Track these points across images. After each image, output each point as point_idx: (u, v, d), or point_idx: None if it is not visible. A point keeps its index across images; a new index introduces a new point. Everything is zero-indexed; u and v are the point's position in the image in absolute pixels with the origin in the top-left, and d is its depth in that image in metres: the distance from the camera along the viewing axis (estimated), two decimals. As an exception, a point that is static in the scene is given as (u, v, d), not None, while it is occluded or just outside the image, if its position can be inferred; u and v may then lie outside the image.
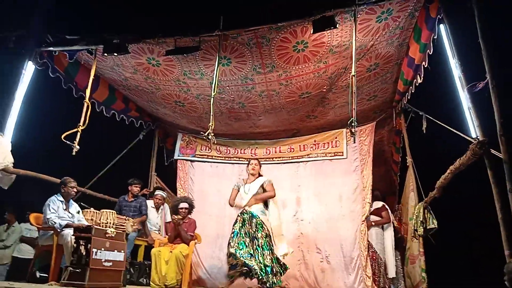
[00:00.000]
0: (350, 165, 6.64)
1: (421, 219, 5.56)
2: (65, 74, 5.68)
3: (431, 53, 4.57)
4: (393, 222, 6.31)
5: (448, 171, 4.38)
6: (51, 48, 5.26)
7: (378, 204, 6.32)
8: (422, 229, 5.52)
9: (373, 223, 6.15)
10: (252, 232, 5.06)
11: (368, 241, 6.11)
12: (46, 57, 5.36)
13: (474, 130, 3.72)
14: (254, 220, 5.15)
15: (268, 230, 5.14)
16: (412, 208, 5.90)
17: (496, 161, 3.50)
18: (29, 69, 5.23)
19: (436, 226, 5.43)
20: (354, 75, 4.33)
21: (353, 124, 4.19)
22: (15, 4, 5.46)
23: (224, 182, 6.80)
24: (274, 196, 5.41)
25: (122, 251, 4.88)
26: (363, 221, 6.18)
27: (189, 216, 5.85)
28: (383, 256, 6.05)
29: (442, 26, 4.18)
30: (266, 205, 5.39)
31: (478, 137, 3.60)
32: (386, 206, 6.33)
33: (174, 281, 5.25)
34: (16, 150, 5.07)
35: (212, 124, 4.70)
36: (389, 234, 6.16)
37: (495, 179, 3.45)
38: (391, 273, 5.94)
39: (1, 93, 5.13)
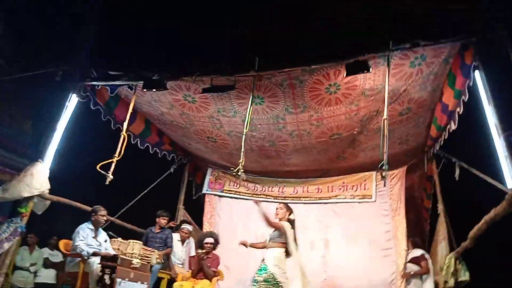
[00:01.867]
0: (380, 209, 6.54)
1: (452, 270, 5.34)
2: (106, 107, 5.94)
3: (466, 100, 4.53)
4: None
5: (483, 221, 4.24)
6: (95, 83, 5.55)
7: (417, 252, 5.91)
8: (453, 281, 5.29)
9: (412, 273, 5.77)
10: None
11: None
12: (89, 90, 5.65)
13: (510, 179, 3.62)
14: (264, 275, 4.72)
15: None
16: (443, 258, 5.67)
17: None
18: (72, 101, 5.51)
19: (468, 278, 5.20)
20: (386, 119, 4.34)
21: (383, 167, 4.15)
22: (62, 40, 5.83)
23: (251, 218, 6.78)
24: (280, 227, 4.94)
25: (146, 283, 4.88)
26: (402, 271, 5.90)
27: (214, 252, 5.83)
28: None
29: (477, 72, 4.17)
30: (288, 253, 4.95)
31: (515, 188, 3.50)
32: (426, 256, 5.93)
33: (196, 318, 5.17)
34: (53, 177, 5.27)
35: (242, 161, 4.76)
36: (429, 285, 5.81)
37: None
38: None
39: (45, 122, 5.41)
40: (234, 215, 7.31)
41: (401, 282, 5.87)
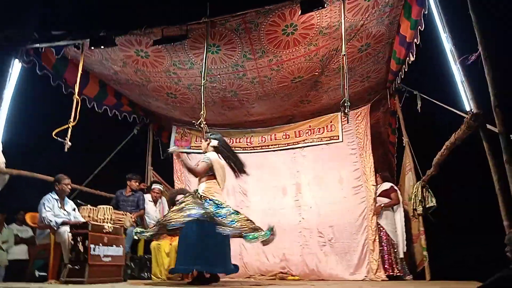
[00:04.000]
0: (348, 148, 6.61)
1: (419, 198, 5.55)
2: (54, 71, 5.60)
3: (422, 29, 4.51)
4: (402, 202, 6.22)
5: (444, 147, 4.35)
6: (37, 45, 5.18)
7: (387, 185, 6.24)
8: (421, 208, 5.52)
9: (382, 205, 6.06)
10: None
11: (377, 223, 6.07)
12: (33, 54, 5.29)
13: (468, 103, 3.67)
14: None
15: None
16: (411, 188, 5.89)
17: (491, 134, 3.47)
18: (16, 68, 5.15)
19: (435, 204, 5.43)
20: (344, 54, 4.28)
21: (345, 104, 4.12)
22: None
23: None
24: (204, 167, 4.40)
25: (121, 246, 4.84)
26: (372, 205, 6.13)
27: None
28: (394, 237, 5.99)
29: (431, 0, 4.11)
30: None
31: (472, 110, 3.55)
32: (395, 187, 6.23)
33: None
34: (7, 150, 5.01)
35: (203, 113, 4.64)
36: (399, 214, 6.10)
37: (491, 151, 3.41)
38: (401, 253, 5.90)
39: (-10, 93, 5.05)
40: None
41: (372, 216, 6.08)
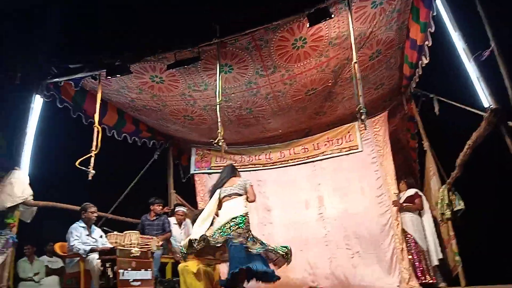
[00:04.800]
0: (368, 158, 6.55)
1: (446, 202, 5.42)
2: (73, 103, 5.78)
3: (432, 31, 4.50)
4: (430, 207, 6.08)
5: (466, 146, 4.28)
6: (56, 79, 5.37)
7: (411, 191, 6.14)
8: (450, 212, 5.38)
9: (403, 204, 6.01)
10: None
11: (403, 230, 5.96)
12: (52, 88, 5.47)
13: (486, 99, 3.62)
14: None
15: None
16: (437, 193, 5.76)
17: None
18: (37, 102, 5.34)
19: (463, 206, 5.29)
20: (356, 62, 4.28)
21: (361, 111, 4.11)
22: (17, 42, 5.59)
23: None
24: None
25: (149, 269, 4.88)
26: (397, 209, 6.04)
27: None
28: (423, 244, 5.85)
29: (439, 1, 4.11)
30: None
31: (491, 106, 3.50)
32: (420, 193, 6.12)
33: (204, 295, 5.20)
34: (34, 182, 5.15)
35: (221, 131, 4.69)
36: (428, 220, 5.95)
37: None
38: (435, 260, 5.73)
39: (14, 128, 5.24)
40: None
41: (398, 225, 5.96)
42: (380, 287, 5.83)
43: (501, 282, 4.56)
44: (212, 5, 5.25)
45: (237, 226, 4.38)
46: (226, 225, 4.42)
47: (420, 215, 6.07)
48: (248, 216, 4.51)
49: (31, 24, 5.64)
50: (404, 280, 5.67)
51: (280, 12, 4.59)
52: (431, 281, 5.60)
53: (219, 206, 4.75)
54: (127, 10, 5.68)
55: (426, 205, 6.06)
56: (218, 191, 4.74)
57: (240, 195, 4.70)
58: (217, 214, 4.75)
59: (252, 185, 4.82)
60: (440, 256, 5.72)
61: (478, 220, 5.48)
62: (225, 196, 4.69)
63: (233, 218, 4.44)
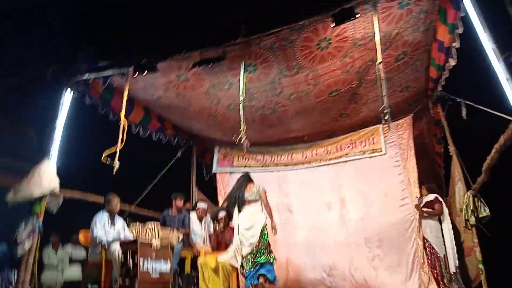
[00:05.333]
0: (391, 161, 6.50)
1: (471, 208, 5.29)
2: (101, 100, 5.93)
3: (461, 33, 4.41)
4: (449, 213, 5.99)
5: (494, 150, 4.16)
6: (86, 77, 5.53)
7: (431, 196, 6.05)
8: (474, 219, 5.25)
9: (424, 214, 5.91)
10: None
11: (423, 236, 5.88)
12: (82, 85, 5.63)
13: (515, 101, 3.53)
14: None
15: None
16: (462, 198, 5.63)
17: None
18: (67, 98, 5.52)
19: (489, 213, 5.16)
20: (381, 62, 4.24)
21: (385, 111, 4.07)
22: (50, 40, 5.82)
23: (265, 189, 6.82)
24: None
25: (169, 261, 4.98)
26: (419, 213, 5.97)
27: (231, 226, 5.91)
28: (440, 250, 5.75)
29: (467, 2, 4.03)
30: None
31: (519, 108, 3.41)
32: (440, 198, 6.02)
33: (222, 289, 5.27)
34: (62, 174, 5.33)
35: (243, 129, 4.74)
36: (447, 226, 5.86)
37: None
38: (452, 267, 5.62)
39: (45, 122, 5.45)
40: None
41: (419, 229, 5.87)
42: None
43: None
44: (238, 5, 5.33)
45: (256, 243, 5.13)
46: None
47: (439, 221, 5.97)
48: (266, 227, 5.24)
49: (62, 23, 5.87)
50: (424, 284, 5.58)
51: (305, 12, 4.61)
52: None
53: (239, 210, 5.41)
54: (156, 10, 5.85)
55: (445, 210, 5.96)
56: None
57: (257, 201, 5.39)
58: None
59: (265, 191, 5.50)
60: (457, 263, 5.62)
61: (503, 228, 5.32)
62: (244, 202, 5.39)
63: (254, 231, 5.19)
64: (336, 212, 6.73)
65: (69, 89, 5.49)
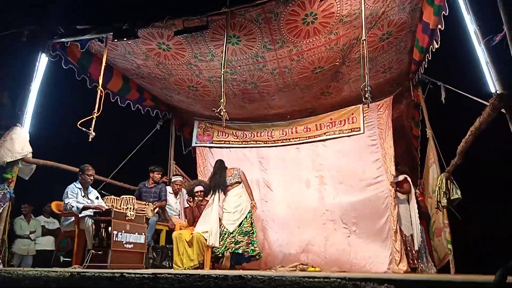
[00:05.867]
0: (369, 139, 6.58)
1: (443, 190, 5.41)
2: (79, 65, 5.75)
3: (447, 14, 4.40)
4: (415, 194, 6.18)
5: (469, 132, 4.20)
6: (63, 39, 5.33)
7: (400, 177, 6.26)
8: (446, 200, 5.38)
9: (395, 186, 6.12)
10: None
11: (398, 213, 6.04)
12: (58, 48, 5.45)
13: (493, 85, 3.56)
14: None
15: None
16: (435, 181, 5.76)
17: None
18: (43, 61, 5.31)
19: (460, 196, 5.29)
20: (365, 39, 4.21)
21: (366, 88, 4.07)
22: (26, 1, 5.54)
23: (244, 165, 6.83)
24: None
25: (143, 233, 4.95)
26: (392, 189, 6.10)
27: (207, 199, 5.90)
28: (407, 231, 5.95)
29: (454, -17, 4.02)
30: None
31: (497, 91, 3.45)
32: (408, 179, 6.23)
33: (196, 262, 5.29)
34: (34, 141, 5.17)
35: (223, 101, 4.67)
36: (414, 207, 6.05)
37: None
38: (416, 245, 5.83)
39: (18, 86, 5.24)
40: (227, 164, 7.30)
41: (394, 206, 6.01)
42: (372, 267, 5.90)
43: (490, 272, 4.57)
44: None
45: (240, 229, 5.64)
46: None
47: (408, 203, 6.14)
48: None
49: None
50: (396, 261, 5.73)
51: (292, -16, 4.51)
52: (413, 266, 5.76)
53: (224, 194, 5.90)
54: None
55: (412, 191, 6.18)
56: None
57: (239, 182, 6.01)
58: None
59: (244, 173, 6.14)
60: (420, 242, 5.88)
61: (473, 210, 5.47)
62: (227, 186, 5.92)
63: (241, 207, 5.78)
64: (315, 189, 6.80)
65: (44, 52, 5.28)
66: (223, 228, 5.62)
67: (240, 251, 5.47)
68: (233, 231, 5.59)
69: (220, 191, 5.87)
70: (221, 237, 5.54)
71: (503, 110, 3.46)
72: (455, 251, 5.23)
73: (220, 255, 5.50)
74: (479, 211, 5.57)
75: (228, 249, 5.47)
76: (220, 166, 6.14)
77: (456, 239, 5.31)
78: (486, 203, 5.42)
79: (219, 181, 5.93)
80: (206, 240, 5.38)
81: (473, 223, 5.55)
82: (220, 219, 5.70)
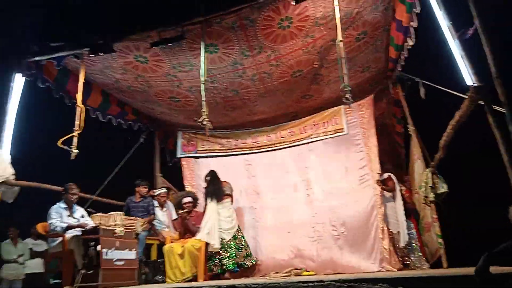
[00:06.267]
0: (352, 140, 6.61)
1: (430, 185, 5.47)
2: (55, 83, 5.65)
3: (419, 11, 4.47)
4: (400, 191, 6.21)
5: (450, 126, 4.29)
6: (38, 58, 5.24)
7: (385, 175, 6.27)
8: (433, 195, 5.43)
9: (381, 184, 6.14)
10: None
11: (384, 212, 6.06)
12: (34, 67, 5.34)
13: (470, 78, 3.63)
14: None
15: None
16: (420, 176, 5.81)
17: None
18: (18, 81, 5.22)
19: (447, 189, 5.34)
20: (341, 40, 4.25)
21: (346, 89, 4.10)
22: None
23: (231, 173, 6.82)
24: None
25: (134, 249, 4.88)
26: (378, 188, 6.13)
27: (195, 209, 5.87)
28: (394, 228, 5.98)
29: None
30: None
31: (474, 84, 3.52)
32: (392, 176, 6.25)
33: (189, 275, 5.24)
34: (16, 162, 5.06)
35: (205, 110, 4.65)
36: (399, 203, 6.08)
37: (497, 123, 3.36)
38: (402, 243, 5.84)
39: (-5, 109, 5.13)
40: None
41: (381, 204, 6.05)
42: (366, 267, 5.90)
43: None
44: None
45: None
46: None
47: (394, 199, 6.18)
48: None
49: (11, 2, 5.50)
50: (386, 259, 5.75)
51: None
52: (404, 262, 5.77)
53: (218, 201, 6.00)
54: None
55: (397, 188, 6.18)
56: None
57: (230, 196, 6.22)
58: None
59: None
60: (406, 238, 5.87)
61: (461, 203, 5.53)
62: (223, 194, 6.10)
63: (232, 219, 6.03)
64: (302, 193, 6.81)
65: (19, 71, 5.19)
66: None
67: (230, 267, 5.68)
68: (230, 242, 5.81)
69: (215, 199, 5.94)
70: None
71: (481, 102, 3.54)
72: (446, 245, 5.29)
73: (218, 272, 5.66)
74: (467, 203, 5.62)
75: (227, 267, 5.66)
76: (215, 175, 6.25)
77: (446, 233, 5.37)
78: (473, 195, 5.48)
79: (215, 189, 6.05)
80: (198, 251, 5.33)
81: (462, 216, 5.60)
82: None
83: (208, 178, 6.23)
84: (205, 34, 4.82)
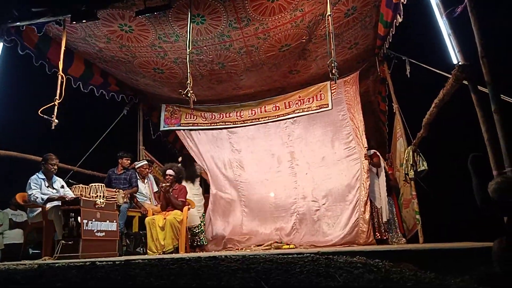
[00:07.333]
0: (338, 114, 6.65)
1: (411, 163, 5.56)
2: (36, 50, 5.48)
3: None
4: (384, 168, 6.33)
5: (433, 105, 4.31)
6: (18, 23, 5.04)
7: (370, 152, 6.38)
8: (413, 172, 5.53)
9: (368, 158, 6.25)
10: None
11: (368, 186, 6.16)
12: (14, 33, 5.15)
13: (455, 56, 3.63)
14: None
15: None
16: (402, 154, 5.90)
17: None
18: (-3, 47, 5.03)
19: (426, 167, 5.44)
20: (330, 14, 4.20)
21: (333, 64, 4.08)
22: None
23: (216, 147, 6.84)
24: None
25: (115, 221, 4.86)
26: (366, 161, 6.20)
27: (178, 183, 5.88)
28: (378, 203, 6.11)
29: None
30: None
31: (459, 62, 3.52)
32: (378, 153, 6.36)
33: (170, 247, 5.26)
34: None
35: (190, 82, 4.57)
36: (382, 179, 6.20)
37: (480, 102, 3.38)
38: (384, 217, 6.01)
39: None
40: (201, 145, 7.29)
41: (366, 178, 6.12)
42: (340, 241, 6.01)
43: (457, 240, 4.75)
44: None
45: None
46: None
47: (377, 175, 6.29)
48: None
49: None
50: (363, 233, 5.88)
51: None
52: (383, 237, 5.94)
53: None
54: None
55: (382, 164, 6.33)
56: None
57: (199, 176, 6.86)
58: None
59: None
60: (388, 214, 6.08)
61: (439, 181, 5.65)
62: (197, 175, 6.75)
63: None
64: (287, 165, 6.90)
65: (-2, 37, 5.00)
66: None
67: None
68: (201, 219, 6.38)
69: (191, 182, 6.54)
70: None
71: (465, 82, 3.56)
72: (422, 221, 5.42)
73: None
74: (446, 181, 5.74)
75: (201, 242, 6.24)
76: (189, 158, 6.88)
77: (424, 210, 5.49)
78: (452, 173, 5.58)
79: (190, 172, 6.59)
80: (180, 223, 5.36)
81: (440, 193, 5.72)
82: None
83: (184, 162, 6.65)
84: (192, 4, 4.69)
